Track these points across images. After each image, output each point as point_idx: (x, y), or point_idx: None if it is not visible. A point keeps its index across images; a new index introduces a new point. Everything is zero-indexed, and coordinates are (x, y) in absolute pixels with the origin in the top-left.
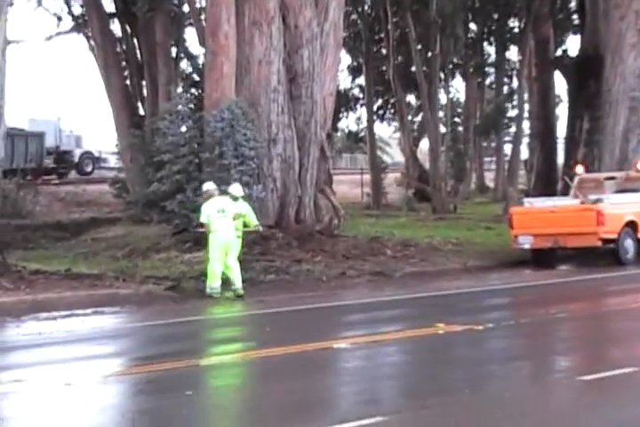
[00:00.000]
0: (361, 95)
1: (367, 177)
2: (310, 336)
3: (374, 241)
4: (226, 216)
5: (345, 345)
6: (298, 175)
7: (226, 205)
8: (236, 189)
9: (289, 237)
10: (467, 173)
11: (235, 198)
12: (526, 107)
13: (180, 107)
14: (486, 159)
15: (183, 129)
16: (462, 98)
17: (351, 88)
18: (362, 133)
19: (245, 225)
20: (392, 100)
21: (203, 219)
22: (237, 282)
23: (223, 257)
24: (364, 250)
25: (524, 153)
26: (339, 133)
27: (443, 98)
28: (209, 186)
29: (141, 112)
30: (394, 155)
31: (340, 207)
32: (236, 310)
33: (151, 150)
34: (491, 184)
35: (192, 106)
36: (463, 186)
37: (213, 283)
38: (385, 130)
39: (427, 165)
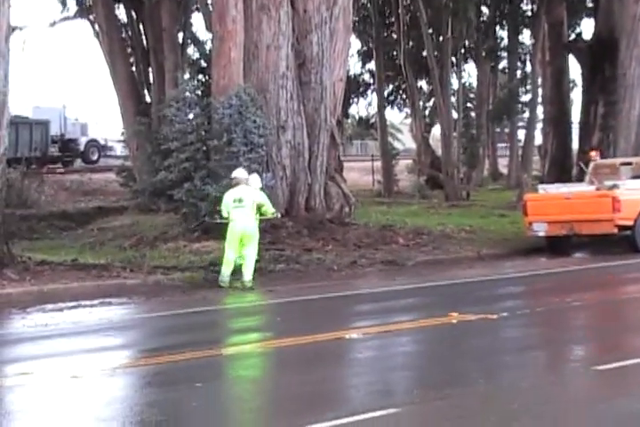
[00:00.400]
0: (371, 81)
1: (378, 164)
2: (322, 326)
3: (386, 229)
4: (243, 206)
5: (357, 335)
6: (308, 163)
7: (244, 194)
8: (254, 180)
9: (299, 225)
10: (480, 160)
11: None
12: (540, 91)
13: (187, 94)
14: (499, 145)
15: (190, 116)
16: (474, 83)
17: (361, 73)
18: (372, 120)
19: (262, 214)
20: (403, 86)
21: (223, 209)
22: (246, 274)
23: (238, 247)
24: (376, 238)
25: (538, 139)
26: (349, 120)
27: (455, 83)
28: (237, 173)
29: (148, 99)
30: (405, 141)
31: (351, 195)
32: (245, 301)
33: (158, 138)
34: (504, 171)
35: (199, 93)
36: (476, 172)
37: (224, 271)
38: (396, 116)
39: (439, 152)
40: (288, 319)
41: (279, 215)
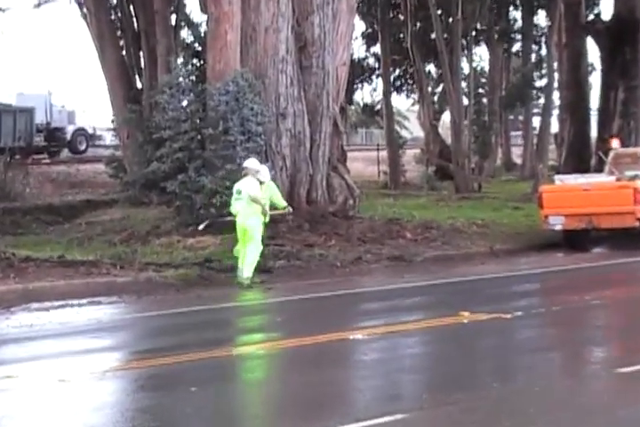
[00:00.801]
0: (376, 65)
1: (384, 154)
2: (325, 326)
3: (392, 223)
4: (241, 198)
5: (362, 336)
6: (309, 152)
7: (243, 185)
8: (263, 173)
9: (300, 219)
10: (492, 149)
11: (261, 182)
12: (556, 76)
13: (180, 79)
14: (513, 133)
15: (184, 103)
16: (487, 67)
17: (366, 57)
18: (378, 106)
19: (275, 207)
20: (410, 70)
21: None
22: (244, 271)
23: (243, 240)
24: (382, 233)
25: (554, 126)
26: (353, 107)
27: (465, 67)
28: (247, 163)
29: (139, 85)
30: (413, 129)
31: (355, 187)
32: (243, 299)
33: (150, 127)
34: (518, 160)
35: (194, 78)
36: (488, 163)
37: (238, 266)
38: (403, 102)
39: (448, 141)
40: (288, 319)
41: (291, 210)
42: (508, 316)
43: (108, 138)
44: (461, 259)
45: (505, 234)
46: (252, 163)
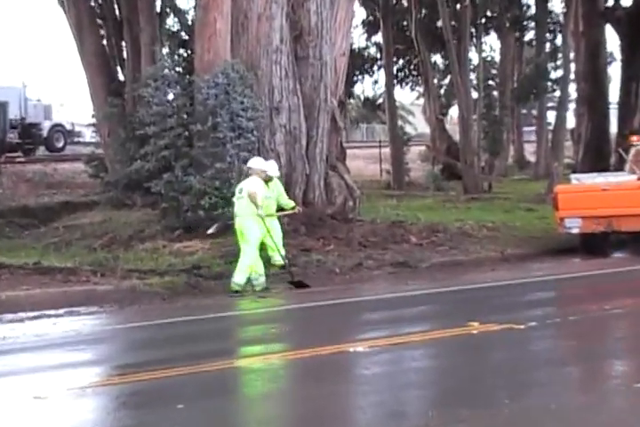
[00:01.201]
0: (378, 55)
1: (387, 151)
2: (323, 338)
3: (396, 226)
4: (242, 197)
5: (363, 348)
6: (305, 150)
7: (245, 184)
8: (271, 167)
9: (295, 222)
10: (503, 146)
11: (269, 178)
12: (572, 67)
13: (165, 71)
14: (526, 129)
15: (170, 97)
16: (497, 57)
17: (367, 47)
18: (380, 100)
19: (281, 208)
20: (415, 61)
21: None
22: (235, 275)
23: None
24: (385, 237)
25: (571, 121)
26: (353, 101)
27: (474, 57)
28: (251, 163)
29: (121, 77)
30: (418, 125)
31: (356, 187)
32: (234, 309)
33: (133, 122)
34: (531, 158)
35: (180, 69)
36: (499, 160)
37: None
38: (407, 96)
39: (456, 137)
40: (284, 330)
41: (301, 210)
42: (521, 326)
43: (88, 134)
44: (470, 265)
45: (517, 238)
46: (255, 163)
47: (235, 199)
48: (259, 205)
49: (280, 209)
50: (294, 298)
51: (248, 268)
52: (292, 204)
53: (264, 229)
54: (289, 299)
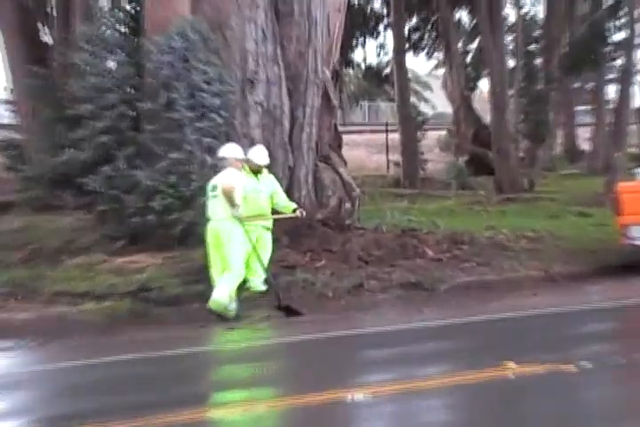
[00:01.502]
0: (385, 11)
1: (395, 137)
2: (313, 382)
3: (407, 236)
4: (216, 195)
5: (364, 396)
6: (288, 135)
7: (218, 179)
8: (257, 154)
9: (276, 230)
10: (549, 131)
11: (257, 170)
12: (638, 28)
13: (105, 31)
14: (579, 108)
15: (111, 64)
16: (541, 14)
17: (370, 1)
18: (387, 70)
19: (277, 211)
20: (433, 19)
21: None
22: (215, 291)
23: (217, 254)
24: (392, 249)
25: (638, 99)
26: (352, 71)
27: (511, 14)
28: (223, 152)
29: (47, 39)
30: (436, 103)
31: (354, 184)
32: (197, 344)
33: (62, 98)
34: (586, 147)
35: (124, 29)
36: (544, 150)
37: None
38: (422, 65)
39: (487, 119)
40: (259, 372)
41: (304, 214)
42: (573, 368)
43: (3, 115)
44: (505, 287)
45: (567, 252)
46: (229, 151)
47: (208, 199)
48: (235, 204)
49: (275, 212)
50: (274, 330)
51: (234, 282)
52: (292, 205)
53: (247, 240)
54: (265, 331)
